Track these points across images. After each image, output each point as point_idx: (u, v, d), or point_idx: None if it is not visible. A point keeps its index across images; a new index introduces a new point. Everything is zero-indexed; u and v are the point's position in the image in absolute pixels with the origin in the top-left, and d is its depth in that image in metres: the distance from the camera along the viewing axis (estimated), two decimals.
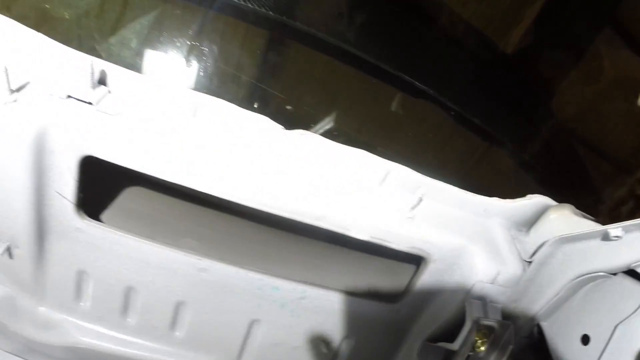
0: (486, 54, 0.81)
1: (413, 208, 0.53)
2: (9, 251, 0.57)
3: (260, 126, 0.51)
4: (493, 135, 0.79)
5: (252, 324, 0.60)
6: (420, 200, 0.53)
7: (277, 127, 0.50)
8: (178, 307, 0.59)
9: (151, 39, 0.65)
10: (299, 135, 0.51)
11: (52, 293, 0.60)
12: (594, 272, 0.60)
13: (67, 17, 0.62)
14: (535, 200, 0.59)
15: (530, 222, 0.60)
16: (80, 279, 0.58)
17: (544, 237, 0.58)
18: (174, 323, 0.61)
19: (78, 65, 0.48)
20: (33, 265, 0.58)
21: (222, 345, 0.63)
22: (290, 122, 0.53)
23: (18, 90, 0.47)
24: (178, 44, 0.62)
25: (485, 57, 0.80)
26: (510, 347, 0.53)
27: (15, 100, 0.47)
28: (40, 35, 0.48)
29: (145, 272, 0.56)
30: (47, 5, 0.62)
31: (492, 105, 0.82)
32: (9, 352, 0.66)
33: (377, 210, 0.52)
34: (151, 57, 0.66)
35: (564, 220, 0.59)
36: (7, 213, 0.53)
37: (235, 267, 0.53)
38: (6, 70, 0.45)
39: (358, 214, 0.50)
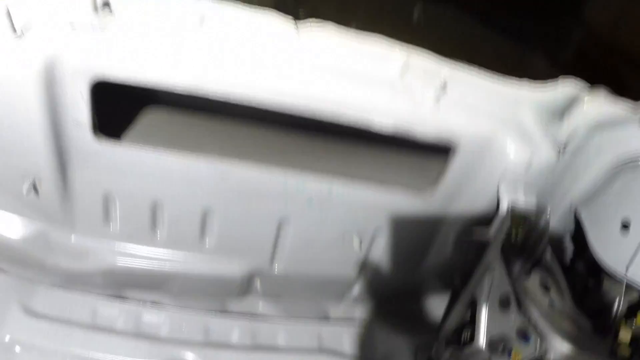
0: None
1: (437, 94, 0.54)
2: (34, 188, 0.60)
3: (269, 22, 0.51)
4: (523, 46, 0.75)
5: (281, 224, 0.64)
6: (444, 85, 0.54)
7: (287, 20, 0.51)
8: (205, 215, 0.63)
9: None
10: (311, 25, 0.51)
11: (82, 220, 0.65)
12: (632, 158, 0.61)
13: None
14: (567, 84, 0.58)
15: (563, 107, 0.60)
16: (106, 201, 0.63)
17: (579, 123, 0.58)
18: (203, 231, 0.65)
19: None
20: (59, 196, 0.62)
21: (254, 248, 0.67)
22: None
23: (22, 28, 0.49)
24: None
25: None
26: (547, 234, 0.56)
27: (19, 37, 0.49)
28: None
29: (169, 185, 0.60)
30: None
31: (521, 14, 0.77)
32: (51, 286, 0.69)
33: (400, 98, 0.53)
34: None
35: (598, 104, 0.59)
36: (28, 150, 0.56)
37: (257, 167, 0.58)
38: (7, 9, 0.47)
39: (380, 102, 0.52)
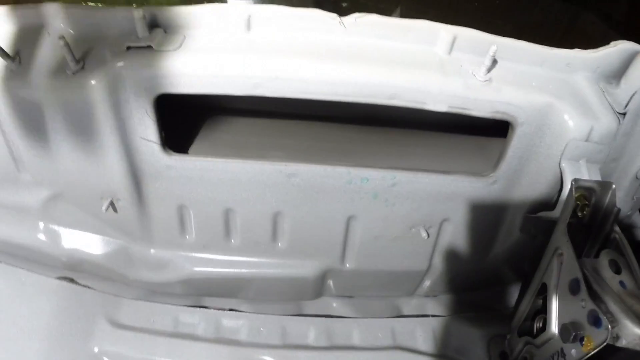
0: None
1: (488, 70, 0.54)
2: (112, 206, 0.66)
3: (315, 19, 0.53)
4: (574, 6, 0.72)
5: (349, 221, 0.65)
6: (494, 61, 0.54)
7: (332, 16, 0.52)
8: (276, 218, 0.65)
9: None
10: (356, 18, 0.50)
11: (159, 234, 0.69)
12: None
13: None
14: (621, 47, 0.56)
15: (620, 71, 0.58)
16: (181, 214, 0.66)
17: (637, 85, 0.56)
18: (274, 234, 0.67)
19: (128, 16, 0.52)
20: (136, 212, 0.66)
21: (325, 247, 0.68)
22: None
23: (83, 57, 0.53)
24: None
25: None
26: (615, 209, 0.52)
27: (82, 67, 0.52)
28: (89, 5, 0.57)
29: (239, 191, 0.62)
30: None
31: None
32: (134, 299, 0.74)
33: (450, 78, 0.53)
34: None
35: None
36: (103, 171, 0.60)
37: (322, 166, 0.59)
38: (67, 43, 0.50)
39: (431, 85, 0.52)
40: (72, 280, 0.78)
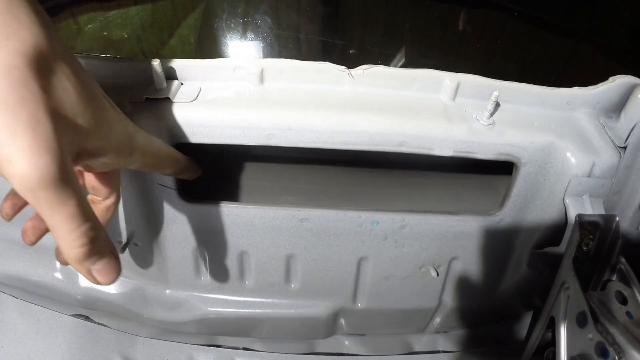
0: None
1: (491, 114, 0.54)
2: (129, 247, 0.67)
3: (325, 71, 0.55)
4: (567, 28, 0.74)
5: (360, 262, 0.66)
6: (497, 104, 0.54)
7: (341, 69, 0.52)
8: (289, 260, 0.66)
9: (206, 28, 0.69)
10: (363, 70, 0.52)
11: (174, 275, 0.71)
12: None
13: (126, 36, 0.68)
14: (619, 82, 0.57)
15: (619, 105, 0.59)
16: (196, 256, 0.68)
17: (636, 119, 0.56)
18: (288, 276, 0.68)
19: (146, 68, 0.54)
20: (153, 254, 0.68)
21: (337, 287, 0.70)
22: (357, 64, 0.54)
23: None
24: (232, 25, 0.65)
25: None
26: (619, 241, 0.52)
27: None
28: (107, 57, 0.56)
29: (253, 235, 0.63)
30: (105, 33, 0.68)
31: (568, 8, 0.78)
32: (148, 337, 0.75)
33: (455, 124, 0.54)
34: (210, 43, 0.70)
35: None
36: (122, 214, 0.63)
37: (333, 211, 0.60)
38: None
39: (437, 131, 0.52)
40: (87, 318, 0.80)
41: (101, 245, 0.34)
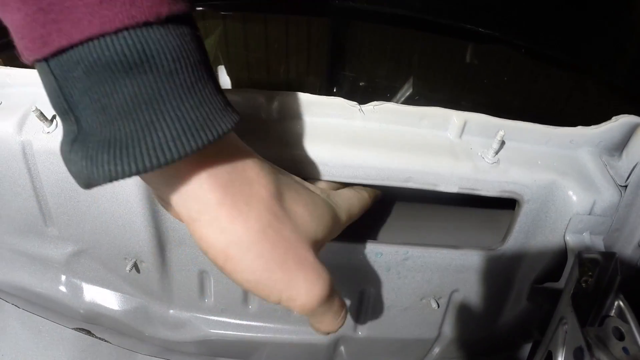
0: None
1: (496, 152, 0.55)
2: (136, 266, 0.66)
3: (337, 106, 0.57)
4: (571, 63, 0.76)
5: (362, 292, 0.68)
6: (502, 143, 0.55)
7: (352, 104, 0.53)
8: None
9: (220, 55, 0.71)
10: (374, 106, 0.54)
11: (179, 296, 0.72)
12: None
13: None
14: (622, 121, 0.58)
15: (621, 144, 0.60)
16: (202, 278, 0.69)
17: (637, 158, 0.58)
18: None
19: None
20: (159, 274, 0.69)
21: None
22: (367, 96, 0.56)
23: None
24: (245, 54, 0.67)
25: None
26: (618, 277, 0.53)
27: None
28: None
29: None
30: None
31: (565, 32, 0.80)
32: (148, 355, 0.76)
33: (461, 161, 0.54)
34: (224, 71, 0.71)
35: None
36: (130, 234, 0.64)
37: (339, 242, 0.58)
38: None
39: (443, 168, 0.53)
40: (88, 332, 0.81)
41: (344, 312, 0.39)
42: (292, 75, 0.68)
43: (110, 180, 0.25)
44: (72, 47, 0.23)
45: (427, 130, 0.58)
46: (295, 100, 0.56)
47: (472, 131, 0.58)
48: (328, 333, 0.38)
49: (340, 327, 0.38)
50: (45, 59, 0.24)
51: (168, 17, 0.24)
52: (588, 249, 0.58)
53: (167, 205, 0.35)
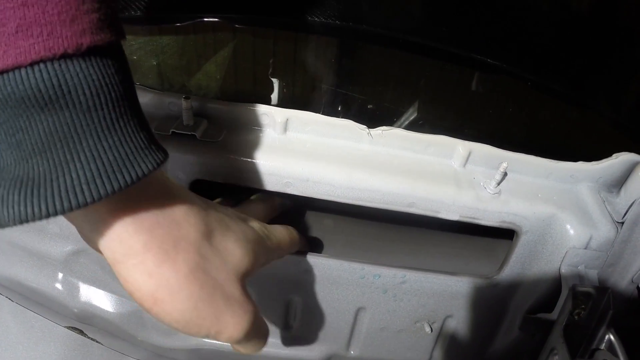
0: (557, 12, 0.80)
1: (498, 183, 0.56)
2: None
3: (346, 128, 0.58)
4: (576, 98, 0.78)
5: (357, 312, 0.68)
6: (505, 175, 0.57)
7: (361, 127, 0.55)
8: (289, 305, 0.68)
9: (233, 68, 0.72)
10: (382, 131, 0.55)
11: None
12: None
13: (154, 63, 0.71)
14: (622, 159, 0.59)
15: (620, 181, 0.61)
16: None
17: (635, 195, 0.58)
18: (286, 318, 0.70)
19: (176, 103, 0.57)
20: None
21: (332, 334, 0.71)
22: (375, 119, 0.57)
23: None
24: (258, 68, 0.68)
25: (556, 16, 0.80)
26: (610, 312, 0.54)
27: None
28: (140, 85, 0.57)
29: (258, 277, 0.62)
30: (135, 57, 0.71)
31: (570, 67, 0.82)
32: (139, 358, 0.76)
33: (463, 190, 0.55)
34: (235, 82, 0.73)
35: None
36: None
37: (338, 260, 0.59)
38: None
39: (445, 196, 0.55)
40: (81, 332, 0.81)
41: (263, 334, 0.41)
42: (298, 91, 0.69)
43: (21, 222, 0.23)
44: None
45: (432, 158, 0.60)
46: (305, 119, 0.57)
47: (476, 161, 0.60)
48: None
49: (261, 349, 0.39)
50: None
51: (90, 48, 0.23)
52: (582, 282, 0.59)
53: (91, 244, 0.32)
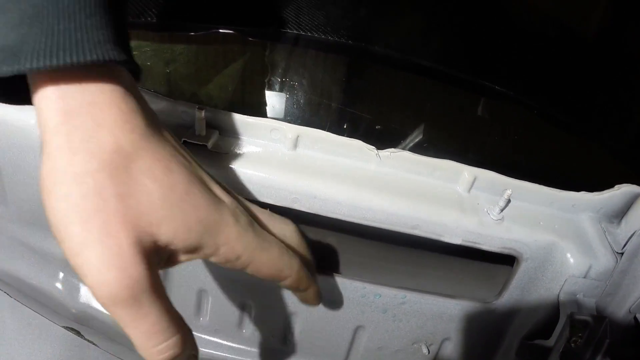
0: (565, 42, 0.81)
1: (501, 210, 0.57)
2: None
3: (355, 148, 0.58)
4: (580, 127, 0.79)
5: (356, 330, 0.69)
6: (508, 201, 0.57)
7: (370, 148, 0.55)
8: (288, 319, 0.68)
9: (244, 80, 0.72)
10: (391, 153, 0.56)
11: None
12: None
13: (168, 71, 0.71)
14: (623, 190, 0.60)
15: (622, 212, 0.62)
16: (200, 296, 0.70)
17: (635, 227, 0.59)
18: (285, 332, 0.70)
19: (188, 112, 0.57)
20: None
21: (330, 350, 0.71)
22: (381, 139, 0.58)
23: None
24: (270, 82, 0.69)
25: (564, 47, 0.81)
26: (607, 341, 0.55)
27: None
28: (151, 92, 0.58)
29: (258, 290, 0.66)
30: (149, 63, 0.71)
31: (576, 97, 0.83)
32: None
33: (467, 215, 0.56)
34: (246, 96, 0.74)
35: None
36: None
37: (340, 278, 0.60)
38: None
39: (449, 220, 0.55)
40: (78, 333, 0.80)
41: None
42: (306, 106, 0.70)
43: None
44: None
45: (438, 182, 0.60)
46: (316, 137, 0.58)
47: (481, 187, 0.60)
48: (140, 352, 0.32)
49: (158, 354, 0.31)
50: None
51: None
52: (580, 310, 0.59)
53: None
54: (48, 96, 0.27)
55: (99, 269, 0.27)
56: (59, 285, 0.76)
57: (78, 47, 0.26)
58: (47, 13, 0.26)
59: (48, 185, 0.27)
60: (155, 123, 0.32)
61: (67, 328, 0.81)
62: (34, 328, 0.80)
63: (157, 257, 0.31)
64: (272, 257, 0.38)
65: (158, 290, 0.30)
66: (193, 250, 0.32)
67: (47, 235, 0.70)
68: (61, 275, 0.76)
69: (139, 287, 0.28)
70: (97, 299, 0.28)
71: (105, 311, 0.73)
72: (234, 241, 0.34)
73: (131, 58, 0.30)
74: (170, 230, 0.30)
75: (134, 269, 0.28)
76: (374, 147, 0.58)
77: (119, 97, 0.29)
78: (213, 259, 0.34)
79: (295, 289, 0.43)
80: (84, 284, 0.29)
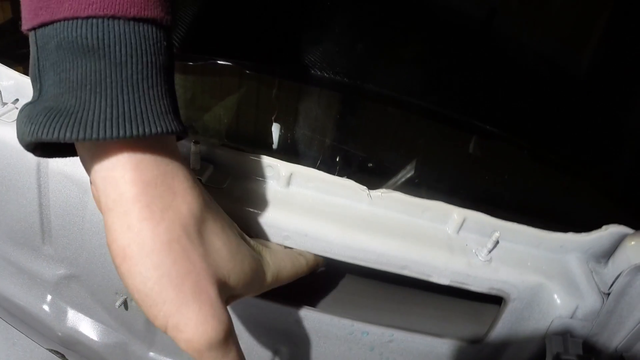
0: (555, 82, 0.83)
1: (490, 251, 0.58)
2: (125, 303, 0.66)
3: (347, 187, 0.59)
4: (571, 168, 0.81)
5: None
6: (497, 243, 0.58)
7: (362, 188, 0.56)
8: (276, 352, 0.68)
9: (240, 113, 0.74)
10: (382, 193, 0.57)
11: (162, 339, 0.72)
12: None
13: None
14: (611, 231, 0.61)
15: (609, 252, 0.63)
16: None
17: (622, 267, 0.60)
18: None
19: (182, 145, 0.57)
20: (145, 316, 0.65)
21: None
22: (373, 176, 0.58)
23: None
24: (266, 116, 0.70)
25: (554, 87, 0.83)
26: None
27: None
28: None
29: (246, 321, 0.66)
30: None
31: (566, 136, 0.85)
32: None
33: (456, 256, 0.56)
34: (241, 128, 0.75)
35: None
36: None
37: (329, 315, 0.60)
38: None
39: (438, 261, 0.56)
40: (62, 356, 0.80)
41: None
42: (299, 142, 0.71)
43: (37, 139, 0.27)
44: (52, 22, 0.27)
45: (427, 223, 0.61)
46: (309, 175, 0.59)
47: (470, 228, 0.61)
48: None
49: None
50: (34, 29, 0.28)
51: (136, 18, 0.27)
52: (567, 350, 0.60)
53: (94, 190, 0.33)
54: (122, 166, 0.29)
55: (197, 322, 0.30)
56: (46, 307, 0.76)
57: (144, 119, 0.28)
58: (110, 82, 0.27)
59: (134, 256, 0.29)
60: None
61: (51, 351, 0.80)
62: (18, 348, 0.80)
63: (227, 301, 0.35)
64: (288, 270, 0.49)
65: (233, 330, 0.35)
66: (246, 293, 0.38)
67: (37, 258, 0.70)
68: (49, 297, 0.76)
69: (229, 329, 0.33)
70: (195, 348, 0.30)
71: (91, 336, 0.74)
72: (270, 278, 0.43)
73: (184, 127, 0.33)
74: (235, 279, 0.34)
75: (225, 315, 0.32)
76: (365, 187, 0.59)
77: (181, 164, 0.32)
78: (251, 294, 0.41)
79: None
80: (177, 341, 0.30)
